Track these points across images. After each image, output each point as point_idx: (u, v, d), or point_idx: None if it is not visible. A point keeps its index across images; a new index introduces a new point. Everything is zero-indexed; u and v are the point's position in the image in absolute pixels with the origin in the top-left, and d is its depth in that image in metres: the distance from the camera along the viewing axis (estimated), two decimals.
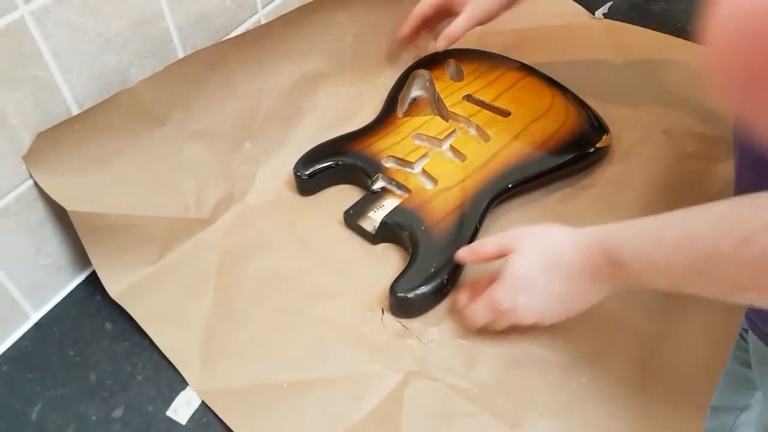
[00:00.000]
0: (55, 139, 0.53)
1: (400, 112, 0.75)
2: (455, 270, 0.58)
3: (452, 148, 0.70)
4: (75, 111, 0.56)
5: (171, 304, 0.59)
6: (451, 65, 0.81)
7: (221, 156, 0.67)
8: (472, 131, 0.73)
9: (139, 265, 0.61)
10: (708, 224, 0.38)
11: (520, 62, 0.80)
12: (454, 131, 0.72)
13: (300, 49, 0.73)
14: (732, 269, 0.36)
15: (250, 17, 0.74)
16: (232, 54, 0.65)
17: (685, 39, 0.86)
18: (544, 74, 0.78)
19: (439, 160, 0.69)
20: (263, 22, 0.76)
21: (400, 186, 0.67)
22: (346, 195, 0.70)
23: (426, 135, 0.72)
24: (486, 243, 0.54)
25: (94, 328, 0.59)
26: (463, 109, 0.74)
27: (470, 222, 0.61)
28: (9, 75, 0.50)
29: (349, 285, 0.60)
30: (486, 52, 0.83)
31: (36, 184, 0.54)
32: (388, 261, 0.63)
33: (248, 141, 0.70)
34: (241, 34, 0.66)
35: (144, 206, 0.60)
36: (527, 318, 0.50)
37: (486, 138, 0.70)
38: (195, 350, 0.56)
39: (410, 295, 0.56)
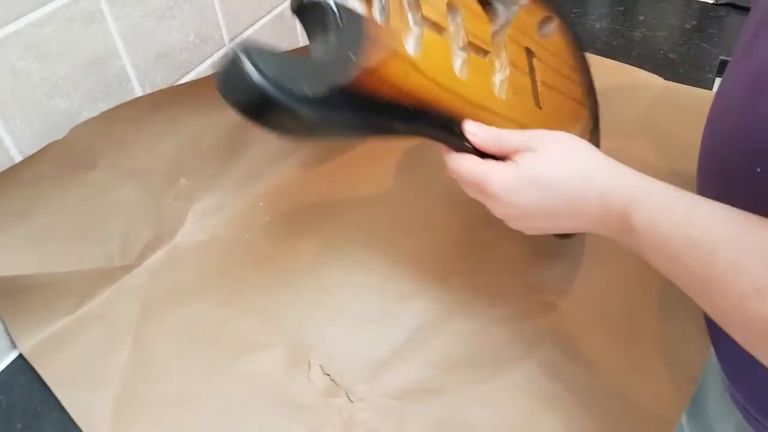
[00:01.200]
0: None
1: None
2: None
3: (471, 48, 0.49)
4: (18, 160, 0.51)
5: (85, 359, 0.55)
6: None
7: (153, 194, 0.63)
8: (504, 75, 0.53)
9: (56, 317, 0.57)
10: (734, 248, 0.33)
11: None
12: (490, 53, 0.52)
13: None
14: (730, 310, 0.33)
15: (217, 51, 0.70)
16: (183, 95, 0.61)
17: (666, 65, 0.84)
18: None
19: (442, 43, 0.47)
20: None
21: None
22: (278, 235, 0.66)
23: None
24: (507, 135, 0.44)
25: (44, 397, 0.54)
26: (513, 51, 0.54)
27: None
28: None
29: (277, 335, 0.56)
30: None
31: None
32: (322, 306, 0.59)
33: (184, 177, 0.65)
34: (196, 80, 0.61)
35: (65, 260, 0.56)
36: (511, 222, 0.44)
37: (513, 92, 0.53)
38: (106, 413, 0.51)
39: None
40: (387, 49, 0.40)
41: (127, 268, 0.61)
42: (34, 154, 0.50)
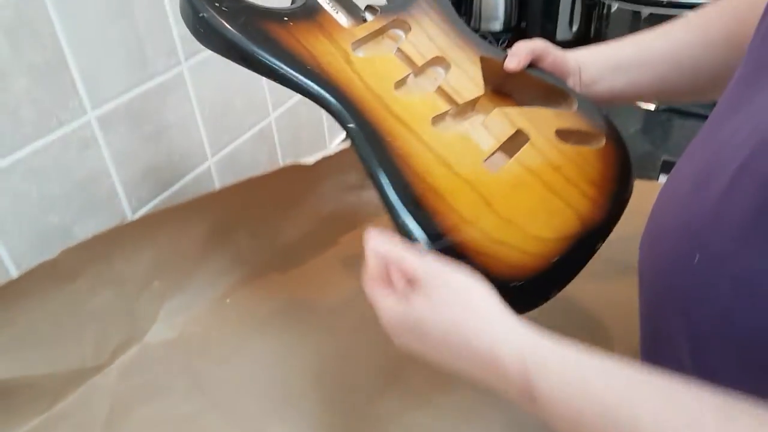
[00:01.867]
0: None
1: None
2: None
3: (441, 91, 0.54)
4: (13, 272, 0.57)
5: None
6: None
7: (127, 298, 0.67)
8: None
9: (27, 417, 0.59)
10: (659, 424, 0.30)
11: None
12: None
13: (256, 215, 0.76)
14: None
15: (200, 165, 0.77)
16: (165, 216, 0.66)
17: None
18: None
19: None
20: (214, 171, 0.79)
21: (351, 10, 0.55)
22: (243, 332, 0.69)
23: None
24: (407, 260, 0.42)
25: None
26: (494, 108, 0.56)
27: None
28: None
29: (242, 431, 0.59)
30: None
31: None
32: (288, 402, 0.61)
33: (158, 279, 0.70)
34: (178, 205, 0.66)
35: (41, 364, 0.59)
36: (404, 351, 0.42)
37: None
38: None
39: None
40: (324, 33, 0.51)
41: (98, 368, 0.65)
42: (26, 273, 0.55)
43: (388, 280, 0.42)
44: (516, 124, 0.54)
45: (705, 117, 0.45)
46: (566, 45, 1.40)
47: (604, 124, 0.57)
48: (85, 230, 0.62)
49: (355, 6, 0.55)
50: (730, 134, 0.38)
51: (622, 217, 0.76)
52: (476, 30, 1.38)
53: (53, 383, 0.61)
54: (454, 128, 0.52)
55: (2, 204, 0.54)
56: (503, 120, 0.54)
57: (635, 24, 1.19)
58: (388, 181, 0.47)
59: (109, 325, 0.66)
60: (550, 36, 1.33)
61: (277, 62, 0.48)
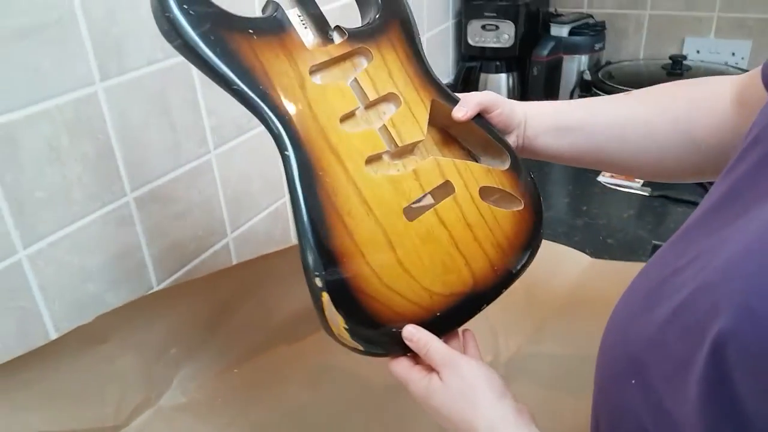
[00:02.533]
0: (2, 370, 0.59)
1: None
2: None
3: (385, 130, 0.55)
4: (53, 335, 0.64)
5: None
6: None
7: (147, 363, 0.73)
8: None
9: None
10: None
11: None
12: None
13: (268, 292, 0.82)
14: None
15: (219, 242, 0.85)
16: (185, 288, 0.73)
17: (604, 249, 0.98)
18: None
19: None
20: (232, 246, 0.87)
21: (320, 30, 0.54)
22: (245, 400, 0.75)
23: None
24: (432, 351, 0.50)
25: None
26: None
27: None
28: (0, 308, 0.58)
29: None
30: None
31: None
32: None
33: (175, 347, 0.76)
34: (195, 279, 0.74)
35: (64, 421, 0.65)
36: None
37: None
38: None
39: None
40: (282, 47, 0.51)
41: (116, 428, 0.70)
42: (64, 335, 0.62)
43: (414, 363, 0.52)
44: (445, 175, 0.55)
45: (696, 204, 0.46)
46: None
47: (527, 189, 0.59)
48: (116, 298, 0.70)
49: (326, 24, 0.54)
50: (686, 261, 0.39)
51: (604, 300, 0.81)
52: None
53: None
54: (385, 170, 0.53)
55: (48, 273, 0.62)
56: (435, 169, 0.55)
57: None
58: (305, 212, 0.48)
59: (129, 388, 0.72)
60: None
61: (232, 75, 0.47)
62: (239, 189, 0.86)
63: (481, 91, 0.60)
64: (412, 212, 0.52)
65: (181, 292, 0.73)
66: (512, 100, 0.62)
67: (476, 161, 0.60)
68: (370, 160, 0.52)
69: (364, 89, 0.54)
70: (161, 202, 0.73)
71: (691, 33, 1.42)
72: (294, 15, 0.53)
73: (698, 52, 1.41)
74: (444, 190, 0.55)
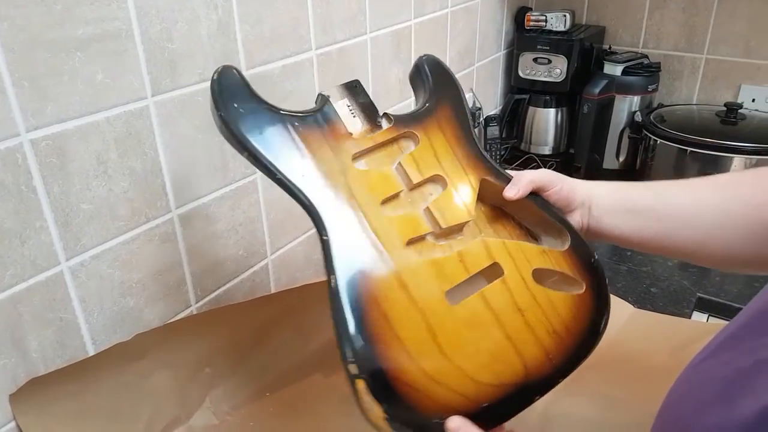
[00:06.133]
0: (42, 381, 0.59)
1: None
2: None
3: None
4: (90, 347, 0.64)
5: None
6: None
7: (181, 381, 0.73)
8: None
9: None
10: None
11: None
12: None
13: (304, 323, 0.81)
14: None
15: (259, 263, 0.84)
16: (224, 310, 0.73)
17: (647, 298, 0.95)
18: None
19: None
20: (270, 267, 0.86)
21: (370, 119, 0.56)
22: (277, 427, 0.73)
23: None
24: None
25: None
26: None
27: None
28: (40, 318, 0.58)
29: None
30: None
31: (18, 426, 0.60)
32: None
33: (209, 366, 0.76)
34: (237, 304, 0.74)
35: None
36: None
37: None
38: None
39: None
40: (327, 138, 0.53)
41: None
42: (103, 351, 0.62)
43: None
44: (493, 257, 0.53)
45: None
46: (613, 173, 1.46)
47: (590, 271, 0.55)
48: (154, 313, 0.70)
49: (375, 112, 0.56)
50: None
51: (647, 350, 0.77)
52: (526, 152, 1.47)
53: None
54: (429, 251, 0.52)
55: (89, 286, 0.62)
56: (482, 250, 0.53)
57: (681, 158, 1.25)
58: (344, 298, 0.48)
59: (161, 405, 0.72)
60: (597, 164, 1.40)
61: (276, 166, 0.51)
62: (282, 211, 0.86)
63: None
64: (455, 295, 0.50)
65: (221, 316, 0.73)
66: (573, 179, 0.60)
67: (536, 240, 0.58)
68: (412, 242, 0.51)
69: (407, 172, 0.54)
70: (205, 220, 0.73)
71: (748, 80, 1.38)
72: (343, 105, 0.55)
73: (753, 100, 1.37)
74: (492, 272, 0.52)
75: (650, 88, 1.38)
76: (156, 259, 0.68)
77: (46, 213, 0.57)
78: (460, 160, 0.56)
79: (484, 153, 0.58)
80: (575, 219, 0.59)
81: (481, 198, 0.56)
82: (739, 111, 1.28)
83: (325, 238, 0.49)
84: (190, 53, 0.66)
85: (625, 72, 1.36)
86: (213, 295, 0.77)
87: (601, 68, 1.38)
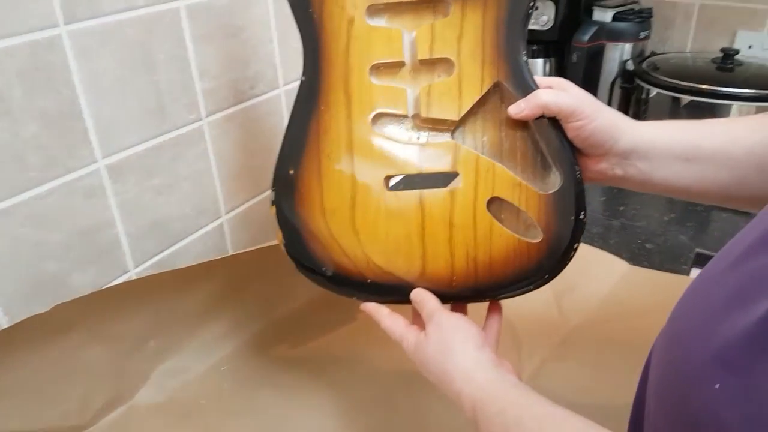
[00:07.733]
0: None
1: None
2: None
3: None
4: (2, 319, 0.55)
5: None
6: None
7: (120, 356, 0.65)
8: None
9: None
10: None
11: None
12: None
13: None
14: None
15: (211, 222, 0.75)
16: (167, 279, 0.63)
17: (642, 254, 0.88)
18: None
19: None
20: (226, 228, 0.78)
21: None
22: (234, 405, 0.66)
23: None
24: (426, 308, 0.52)
25: None
26: None
27: None
28: None
29: None
30: None
31: None
32: None
33: (153, 339, 0.68)
34: (180, 269, 0.63)
35: (21, 419, 0.58)
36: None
37: None
38: None
39: None
40: None
41: (80, 428, 0.62)
42: (16, 324, 0.53)
43: (410, 322, 0.53)
44: (456, 166, 0.49)
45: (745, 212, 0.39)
46: None
47: (561, 228, 0.49)
48: (83, 279, 0.61)
49: None
50: None
51: (643, 309, 0.72)
52: None
53: None
54: (395, 133, 0.51)
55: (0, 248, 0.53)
56: (448, 154, 0.49)
57: (675, 109, 1.17)
58: (287, 134, 0.51)
59: (97, 382, 0.64)
60: None
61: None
62: (237, 163, 0.76)
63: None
64: (399, 184, 0.51)
65: (166, 282, 0.64)
66: (617, 115, 0.50)
67: (547, 170, 0.50)
68: (379, 118, 0.50)
69: (417, 45, 0.49)
70: (140, 173, 0.64)
71: (744, 26, 1.29)
72: None
73: (750, 47, 1.29)
74: (446, 179, 0.50)
75: (642, 35, 1.29)
76: (81, 217, 0.59)
77: None
78: (485, 49, 0.48)
79: (521, 50, 0.48)
80: (602, 165, 0.50)
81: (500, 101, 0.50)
82: (736, 57, 1.20)
83: (302, 79, 0.50)
84: None
85: (615, 18, 1.27)
86: (155, 259, 0.69)
87: (590, 15, 1.29)
